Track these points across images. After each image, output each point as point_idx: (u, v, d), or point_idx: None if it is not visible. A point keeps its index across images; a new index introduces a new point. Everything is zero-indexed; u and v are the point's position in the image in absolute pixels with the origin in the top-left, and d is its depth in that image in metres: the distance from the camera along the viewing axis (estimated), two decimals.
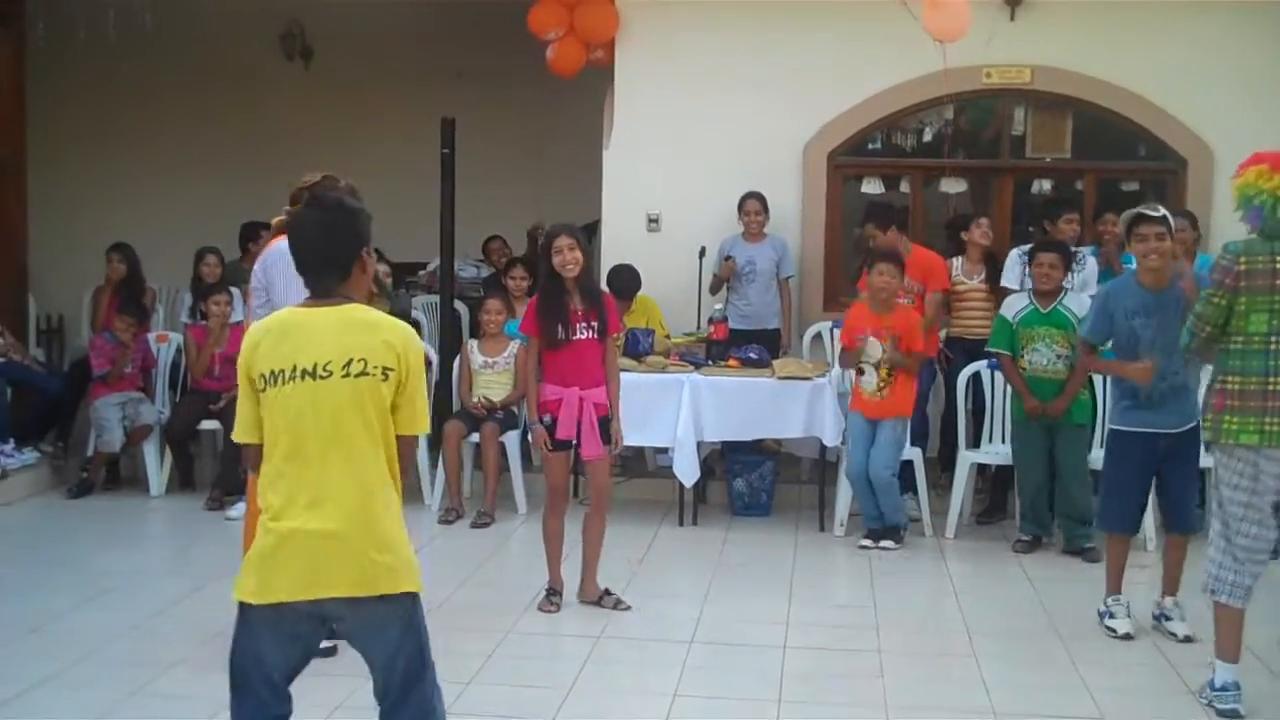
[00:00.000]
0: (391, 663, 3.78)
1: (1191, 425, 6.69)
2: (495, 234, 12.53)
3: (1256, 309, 5.55)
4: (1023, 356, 8.36)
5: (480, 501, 9.04)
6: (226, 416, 9.31)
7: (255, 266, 6.27)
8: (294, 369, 3.72)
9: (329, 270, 3.82)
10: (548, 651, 6.48)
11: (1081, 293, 8.55)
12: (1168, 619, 6.74)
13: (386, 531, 3.72)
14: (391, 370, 3.74)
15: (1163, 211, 6.62)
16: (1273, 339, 5.55)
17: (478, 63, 12.78)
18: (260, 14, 13.38)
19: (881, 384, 8.42)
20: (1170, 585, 6.82)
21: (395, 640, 3.77)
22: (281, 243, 5.71)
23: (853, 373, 8.56)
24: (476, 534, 8.70)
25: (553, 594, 7.01)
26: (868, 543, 8.45)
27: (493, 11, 11.31)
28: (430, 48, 12.97)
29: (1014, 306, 8.47)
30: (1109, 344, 6.90)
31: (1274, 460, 5.54)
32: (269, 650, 3.77)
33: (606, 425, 6.94)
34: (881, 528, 8.49)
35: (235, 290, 9.87)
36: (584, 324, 6.84)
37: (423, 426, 3.88)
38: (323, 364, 3.71)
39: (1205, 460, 8.22)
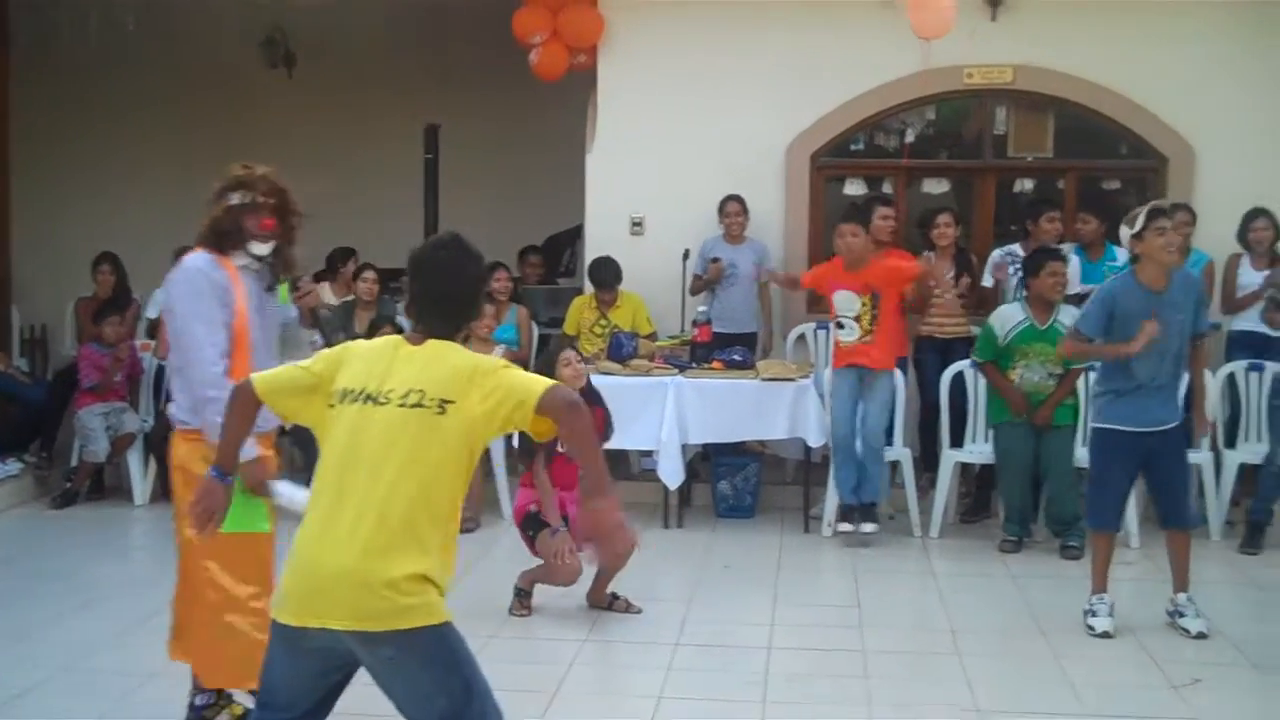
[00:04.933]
0: (419, 702, 3.68)
1: (1175, 423, 6.74)
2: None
3: None
4: (1014, 369, 8.37)
5: (466, 506, 9.00)
6: None
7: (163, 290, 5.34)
8: (361, 390, 3.74)
9: (452, 319, 3.86)
10: (533, 655, 6.48)
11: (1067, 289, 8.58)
12: (1181, 615, 6.76)
13: (406, 566, 3.61)
14: (450, 403, 3.66)
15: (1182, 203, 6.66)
16: None
17: (462, 67, 12.77)
18: (243, 21, 13.34)
19: (864, 334, 8.42)
20: (1180, 582, 6.83)
21: (418, 674, 3.67)
22: (195, 257, 5.04)
23: (831, 328, 8.63)
24: (462, 539, 8.65)
25: (522, 594, 7.01)
26: (847, 527, 8.47)
27: (476, 16, 11.31)
28: (414, 54, 12.96)
29: (1008, 321, 8.48)
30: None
31: None
32: (286, 669, 3.73)
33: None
34: (858, 504, 8.48)
35: None
36: None
37: (539, 388, 3.68)
38: (387, 390, 3.71)
39: (1195, 456, 8.39)
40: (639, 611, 7.01)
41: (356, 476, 3.66)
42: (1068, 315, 8.16)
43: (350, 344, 3.90)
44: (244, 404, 3.96)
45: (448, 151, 9.87)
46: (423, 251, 3.95)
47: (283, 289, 5.31)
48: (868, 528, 8.46)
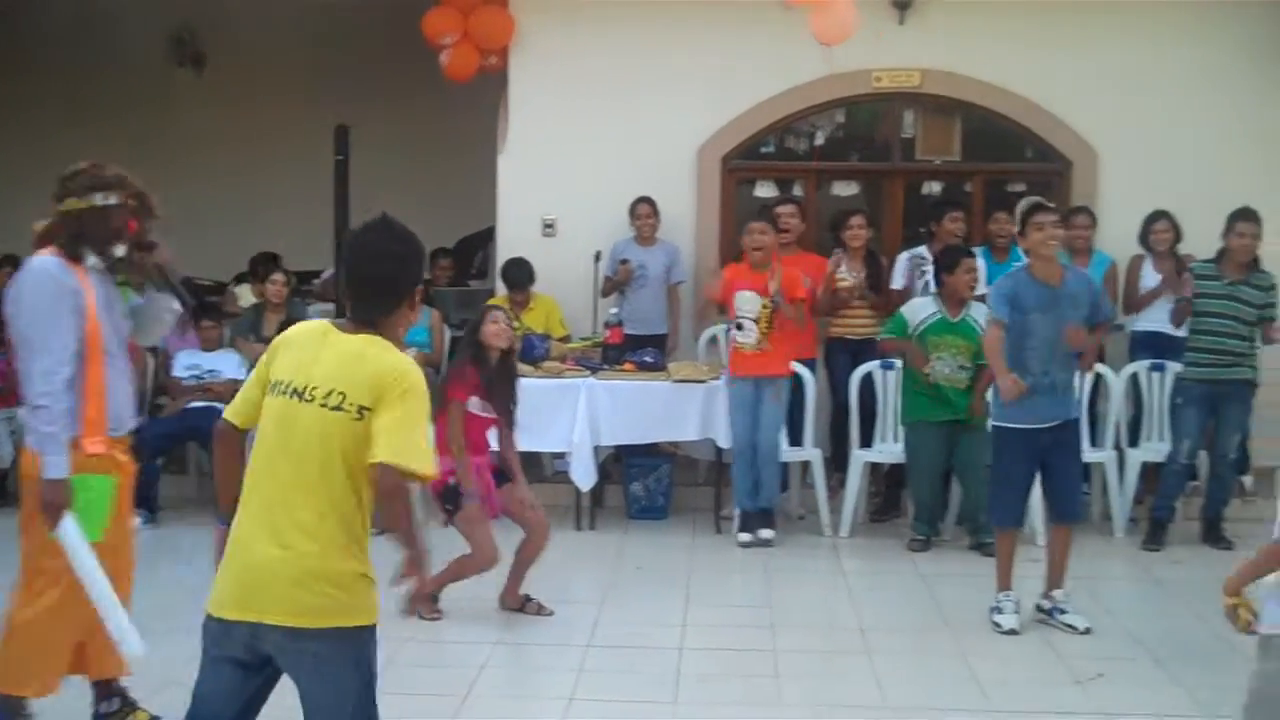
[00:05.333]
0: (334, 705, 3.63)
1: (1071, 418, 6.88)
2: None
3: None
4: (928, 362, 8.45)
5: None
6: None
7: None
8: (289, 384, 3.68)
9: (378, 301, 3.74)
10: (444, 659, 6.44)
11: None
12: (1061, 612, 6.87)
13: (335, 564, 3.59)
14: (368, 409, 3.60)
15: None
16: None
17: (373, 68, 12.70)
18: (149, 21, 13.21)
19: (761, 337, 8.47)
20: (1056, 578, 6.96)
21: (340, 680, 3.63)
22: (43, 260, 4.87)
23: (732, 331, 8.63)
24: (379, 541, 8.61)
25: (430, 597, 6.97)
26: (746, 536, 8.51)
27: (387, 17, 11.26)
28: (324, 54, 12.88)
29: (920, 312, 8.55)
30: None
31: None
32: (211, 675, 3.68)
33: (499, 477, 7.05)
34: (755, 510, 8.53)
35: None
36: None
37: (407, 459, 3.57)
38: (311, 387, 3.65)
39: (1099, 455, 8.53)
40: (551, 613, 7.01)
41: (287, 472, 3.63)
42: (979, 311, 8.24)
43: (288, 331, 3.84)
44: (227, 442, 3.88)
45: (358, 153, 9.77)
46: (351, 234, 3.94)
47: (124, 290, 5.18)
48: (765, 534, 8.51)
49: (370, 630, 3.69)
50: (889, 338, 8.63)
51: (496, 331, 6.89)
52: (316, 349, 3.72)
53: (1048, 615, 6.92)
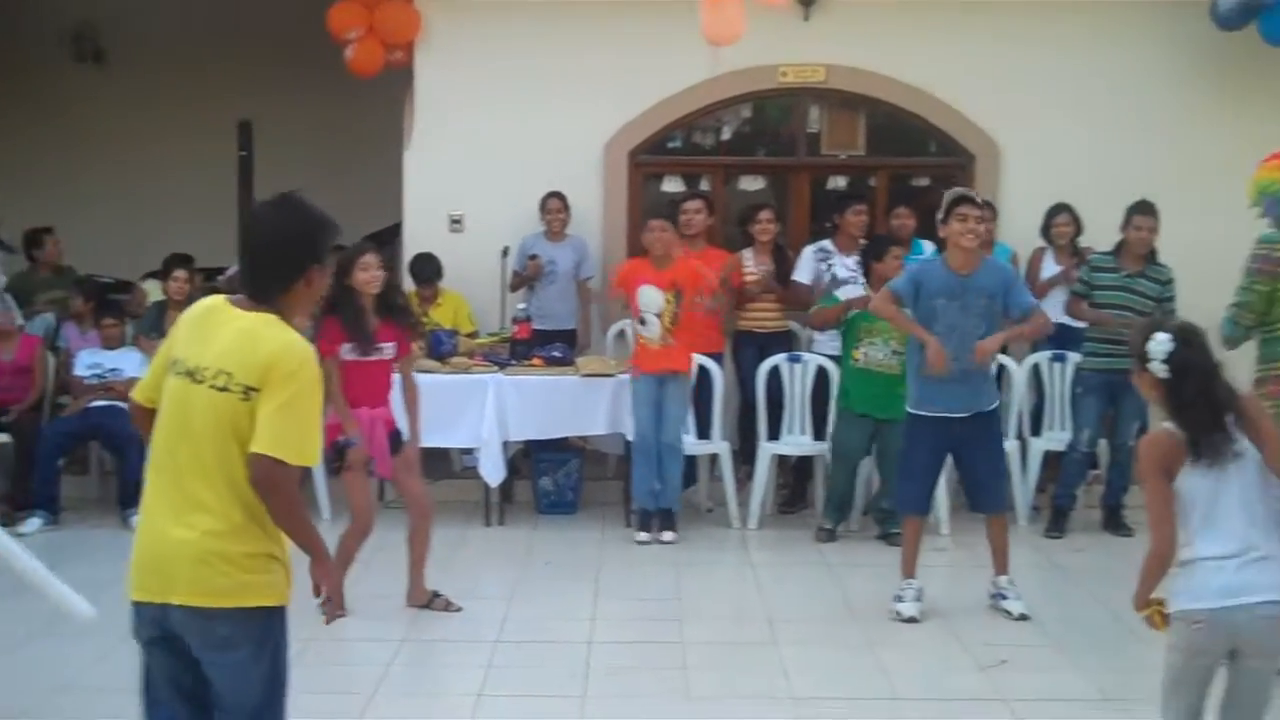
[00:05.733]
0: (242, 688, 3.60)
1: (988, 408, 6.95)
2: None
3: None
4: (858, 348, 8.48)
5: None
6: (17, 429, 9.06)
7: None
8: (184, 363, 3.62)
9: (274, 278, 3.64)
10: (351, 657, 6.40)
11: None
12: (1004, 598, 6.98)
13: (237, 544, 3.56)
14: (255, 391, 3.53)
15: (983, 199, 6.90)
16: None
17: (276, 62, 12.59)
18: (50, 17, 13.01)
19: (665, 332, 8.50)
20: (1000, 565, 7.06)
21: (247, 661, 3.59)
22: None
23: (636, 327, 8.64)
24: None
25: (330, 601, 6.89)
26: (645, 536, 8.52)
27: (292, 11, 11.16)
28: (227, 48, 12.74)
29: (850, 295, 8.62)
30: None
31: None
32: (150, 658, 3.66)
33: (396, 440, 6.91)
34: (655, 509, 8.57)
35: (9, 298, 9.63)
36: (376, 344, 6.81)
37: (279, 449, 3.51)
38: (202, 368, 3.58)
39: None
40: (459, 610, 6.98)
41: (186, 453, 3.59)
42: None
43: (191, 308, 3.78)
44: (142, 422, 3.81)
45: (262, 148, 9.73)
46: (251, 209, 3.86)
47: None
48: (667, 537, 8.53)
49: (279, 612, 3.66)
50: (820, 308, 8.65)
51: (369, 279, 6.74)
52: (212, 327, 3.66)
53: (994, 600, 7.03)
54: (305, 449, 3.56)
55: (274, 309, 3.64)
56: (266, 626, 3.62)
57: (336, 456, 6.64)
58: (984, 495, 7.10)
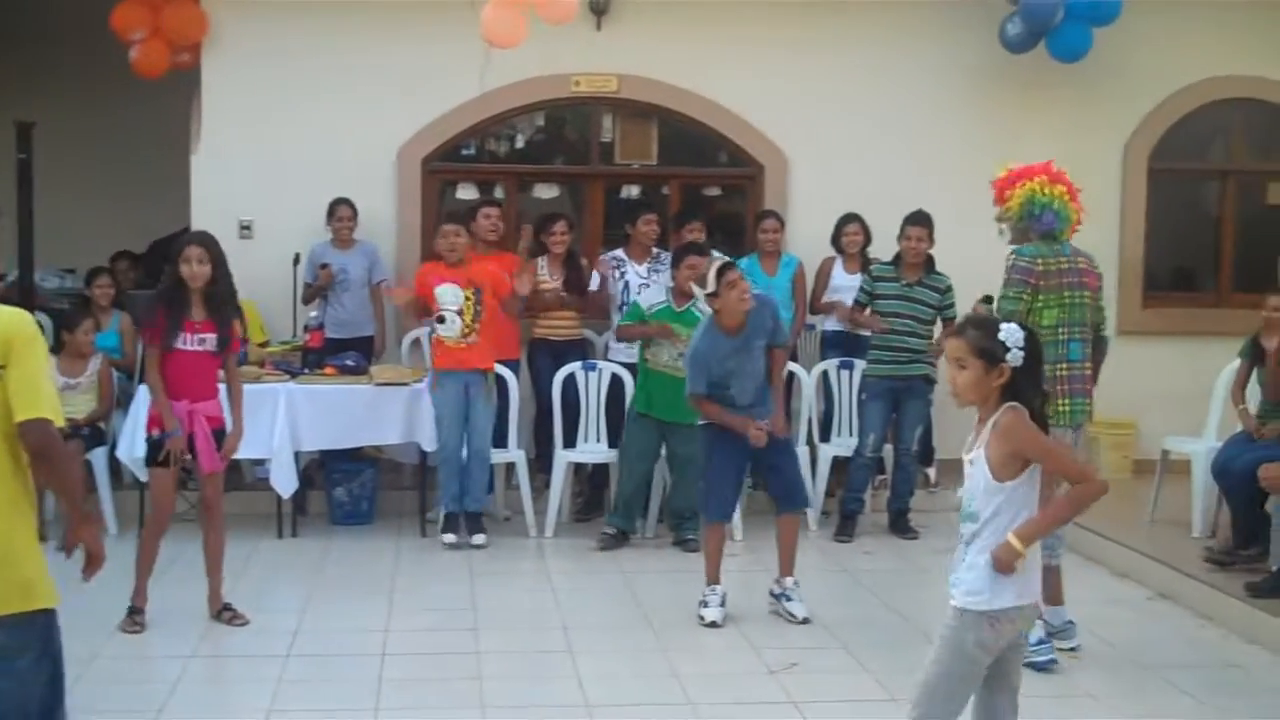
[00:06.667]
0: (26, 696, 3.48)
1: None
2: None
3: (1049, 305, 6.33)
4: (648, 348, 8.54)
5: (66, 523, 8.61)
6: None
7: None
8: None
9: None
10: (137, 675, 6.24)
11: None
12: (787, 599, 7.11)
13: (15, 545, 3.47)
14: (3, 368, 3.47)
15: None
16: (1060, 330, 6.31)
17: (58, 63, 12.22)
18: None
19: (466, 329, 8.49)
20: (786, 566, 7.19)
21: (30, 668, 3.48)
22: None
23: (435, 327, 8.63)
24: (62, 556, 8.29)
25: (136, 613, 6.77)
26: (451, 538, 8.50)
27: (74, 10, 10.84)
28: (6, 48, 12.31)
29: (650, 299, 8.69)
30: None
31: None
32: None
33: (221, 437, 6.82)
34: (463, 513, 8.54)
35: None
36: (198, 336, 6.71)
37: (48, 410, 3.51)
38: None
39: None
40: (245, 623, 6.87)
41: None
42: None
43: None
44: None
45: (43, 151, 9.40)
46: None
47: None
48: (478, 540, 8.53)
49: (53, 615, 3.57)
50: (627, 324, 8.70)
51: (192, 274, 6.69)
52: None
53: (776, 600, 7.15)
54: (59, 408, 3.60)
55: None
56: (44, 631, 3.53)
57: (154, 448, 6.65)
58: (789, 493, 7.26)
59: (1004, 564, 4.12)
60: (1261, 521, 7.44)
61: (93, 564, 3.85)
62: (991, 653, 4.20)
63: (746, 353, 7.05)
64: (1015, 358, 4.13)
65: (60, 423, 3.56)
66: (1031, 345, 4.19)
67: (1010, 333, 4.15)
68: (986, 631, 4.17)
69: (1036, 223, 6.35)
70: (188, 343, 6.68)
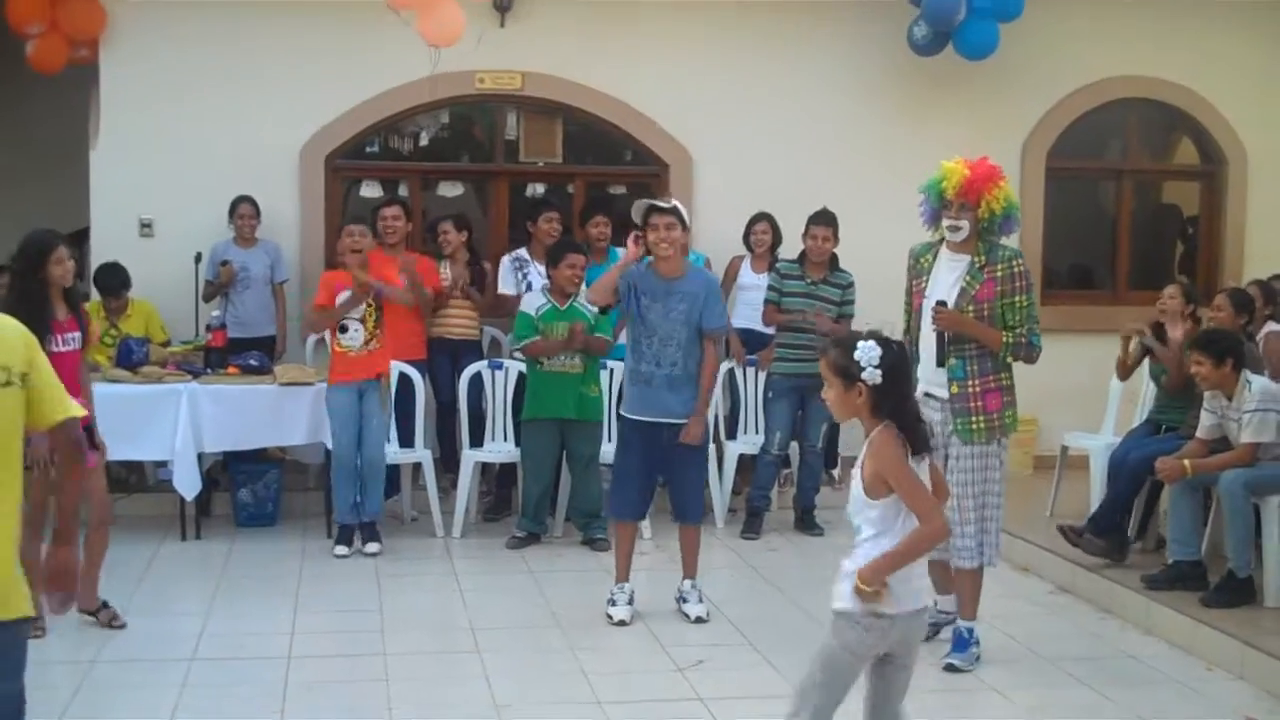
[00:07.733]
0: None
1: (689, 418, 7.04)
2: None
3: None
4: (574, 337, 8.51)
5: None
6: None
7: None
8: None
9: None
10: (38, 681, 6.07)
11: None
12: (685, 600, 7.14)
13: (8, 549, 3.45)
14: (26, 374, 3.49)
15: (674, 203, 7.05)
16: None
17: None
18: None
19: (370, 336, 8.43)
20: (689, 568, 7.21)
21: (6, 675, 3.46)
22: None
23: (329, 337, 8.56)
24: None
25: (34, 620, 6.65)
26: (344, 550, 8.41)
27: None
28: None
29: (532, 305, 8.64)
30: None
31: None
32: None
33: (90, 434, 6.70)
34: (357, 523, 8.49)
35: None
36: (66, 335, 6.62)
37: (74, 409, 3.62)
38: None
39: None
40: (123, 626, 6.79)
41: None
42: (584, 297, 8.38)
43: None
44: None
45: None
46: None
47: None
48: (371, 548, 8.45)
49: (29, 624, 3.57)
50: (532, 341, 8.63)
51: (64, 273, 6.62)
52: None
53: (678, 603, 7.19)
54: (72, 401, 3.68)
55: None
56: (20, 639, 3.53)
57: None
58: (681, 506, 7.24)
59: (864, 598, 4.15)
60: (1156, 515, 7.61)
61: (70, 587, 3.84)
62: (862, 657, 4.22)
63: (665, 306, 6.91)
64: (872, 376, 4.09)
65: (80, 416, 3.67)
66: (893, 363, 4.14)
67: (865, 351, 4.10)
68: (857, 635, 4.18)
69: (1008, 223, 6.39)
70: (58, 344, 6.54)
